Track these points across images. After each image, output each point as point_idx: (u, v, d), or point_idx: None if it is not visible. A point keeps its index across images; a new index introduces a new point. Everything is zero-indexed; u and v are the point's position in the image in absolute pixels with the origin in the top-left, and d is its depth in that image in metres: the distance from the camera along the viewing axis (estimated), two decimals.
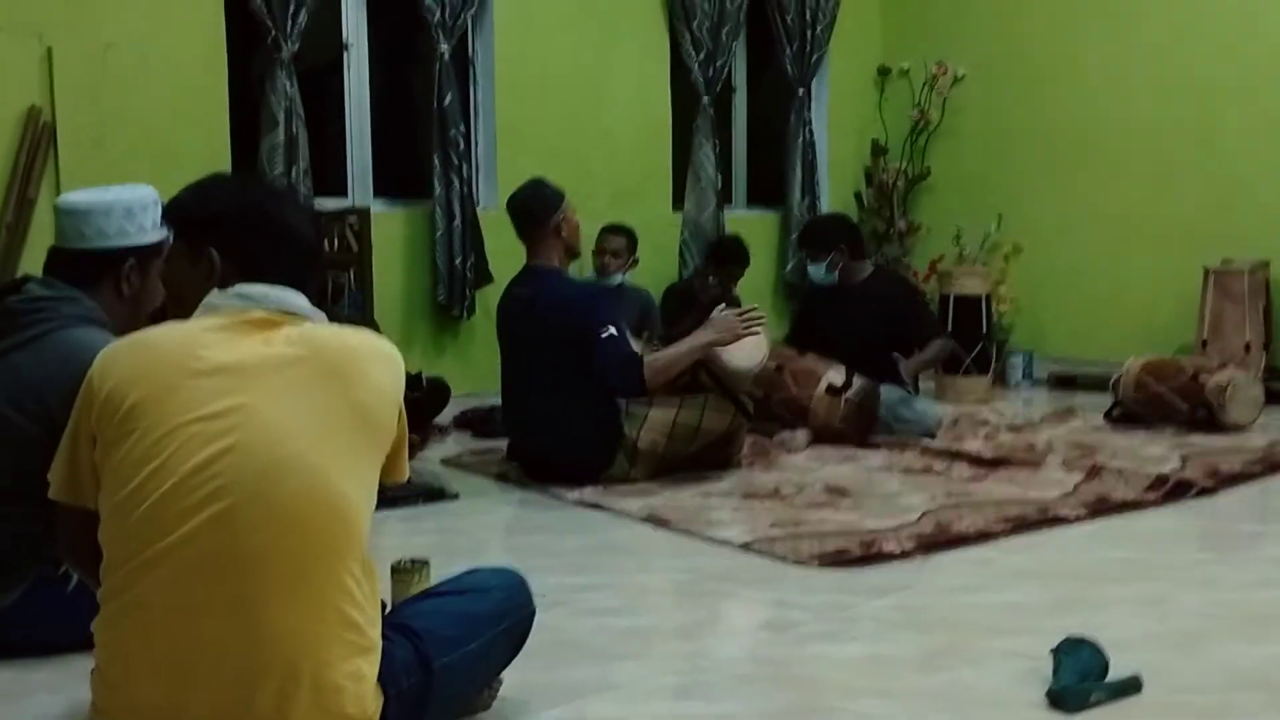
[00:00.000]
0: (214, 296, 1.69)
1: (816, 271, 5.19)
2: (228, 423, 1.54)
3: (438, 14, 5.77)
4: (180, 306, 1.73)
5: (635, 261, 5.93)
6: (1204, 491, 3.82)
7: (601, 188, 6.34)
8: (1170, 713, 2.10)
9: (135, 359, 1.62)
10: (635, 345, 4.21)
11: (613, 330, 3.86)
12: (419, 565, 2.32)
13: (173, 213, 1.83)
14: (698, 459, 4.09)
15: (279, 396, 1.57)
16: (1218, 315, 5.87)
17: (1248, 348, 5.73)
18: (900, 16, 7.75)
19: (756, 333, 4.04)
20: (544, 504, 3.82)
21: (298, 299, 1.72)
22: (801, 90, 7.36)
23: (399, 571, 2.32)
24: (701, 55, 6.85)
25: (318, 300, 1.75)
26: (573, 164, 6.07)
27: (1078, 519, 3.50)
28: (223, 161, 5.23)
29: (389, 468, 1.71)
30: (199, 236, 1.76)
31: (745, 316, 4.00)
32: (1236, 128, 6.26)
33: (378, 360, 1.68)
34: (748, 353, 4.23)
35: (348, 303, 4.09)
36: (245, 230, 1.75)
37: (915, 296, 5.37)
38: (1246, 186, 6.22)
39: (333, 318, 1.80)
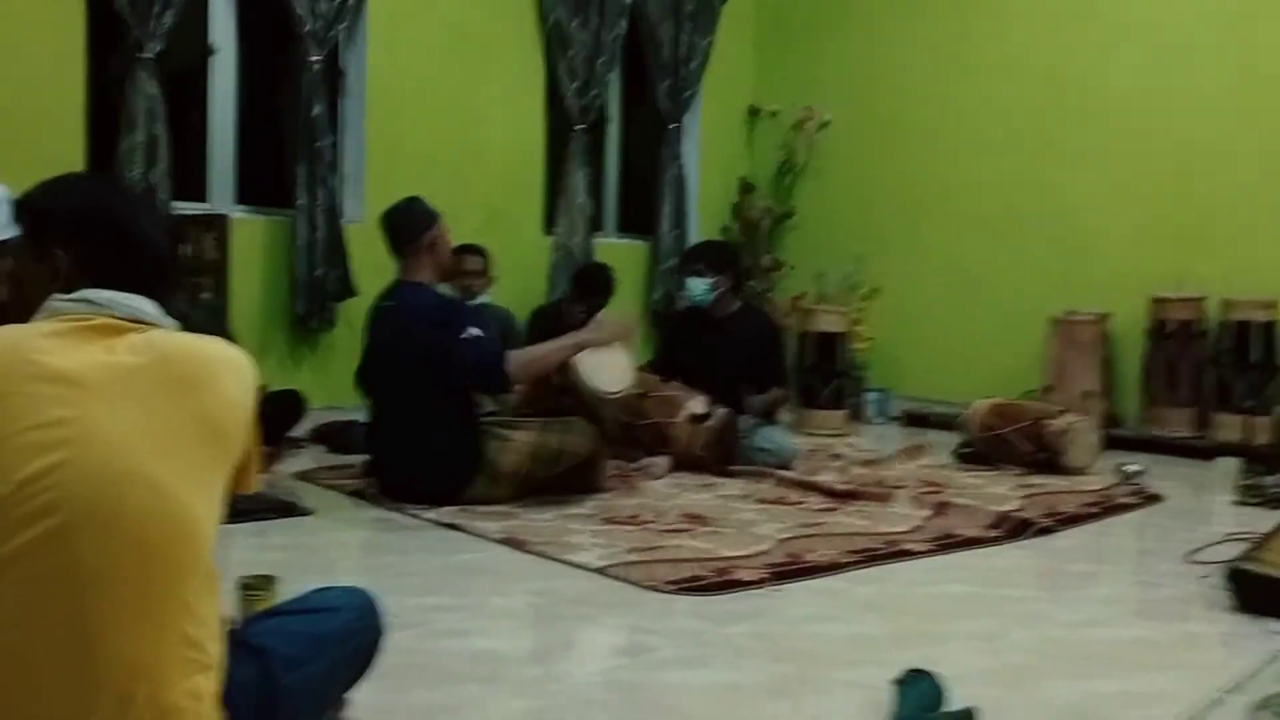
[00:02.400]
0: (56, 300, 1.61)
1: (697, 287, 5.22)
2: (63, 433, 1.47)
3: (309, 24, 5.69)
4: (23, 307, 1.64)
5: (491, 279, 5.94)
6: (1043, 531, 3.98)
7: (473, 208, 6.31)
8: None
9: None
10: None
11: (476, 331, 3.84)
12: (266, 581, 2.27)
13: (22, 209, 1.75)
14: (560, 482, 4.09)
15: (119, 406, 1.50)
16: (1061, 363, 6.14)
17: (1088, 395, 6.00)
18: (772, 59, 7.95)
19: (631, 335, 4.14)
20: (400, 523, 3.76)
21: (146, 305, 1.65)
22: (674, 124, 7.48)
23: (246, 588, 2.27)
24: (576, 84, 6.89)
25: (177, 306, 1.69)
26: (444, 182, 6.03)
27: (924, 553, 3.61)
28: (77, 159, 5.05)
29: (238, 479, 1.66)
30: (45, 234, 1.67)
31: (628, 331, 4.13)
32: (1081, 185, 6.59)
33: (227, 368, 1.63)
34: (614, 376, 4.27)
35: (203, 308, 3.97)
36: (93, 231, 1.68)
37: (777, 339, 5.47)
38: (1090, 242, 6.54)
39: (188, 324, 1.74)
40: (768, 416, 5.16)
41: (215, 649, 1.57)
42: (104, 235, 1.68)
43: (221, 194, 5.75)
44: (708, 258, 5.32)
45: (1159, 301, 6.08)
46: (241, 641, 1.71)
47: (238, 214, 5.60)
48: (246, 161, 5.85)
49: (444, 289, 4.25)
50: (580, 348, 4.03)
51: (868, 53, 7.45)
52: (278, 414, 4.74)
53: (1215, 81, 6.16)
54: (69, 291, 1.63)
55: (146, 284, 1.68)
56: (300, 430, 5.00)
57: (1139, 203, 6.40)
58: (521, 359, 3.90)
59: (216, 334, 1.74)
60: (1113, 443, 5.63)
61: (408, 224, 4.05)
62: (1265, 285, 5.87)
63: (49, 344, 1.54)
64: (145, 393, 1.53)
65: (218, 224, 4.65)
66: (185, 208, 5.38)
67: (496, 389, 3.93)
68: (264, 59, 6.09)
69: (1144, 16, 6.38)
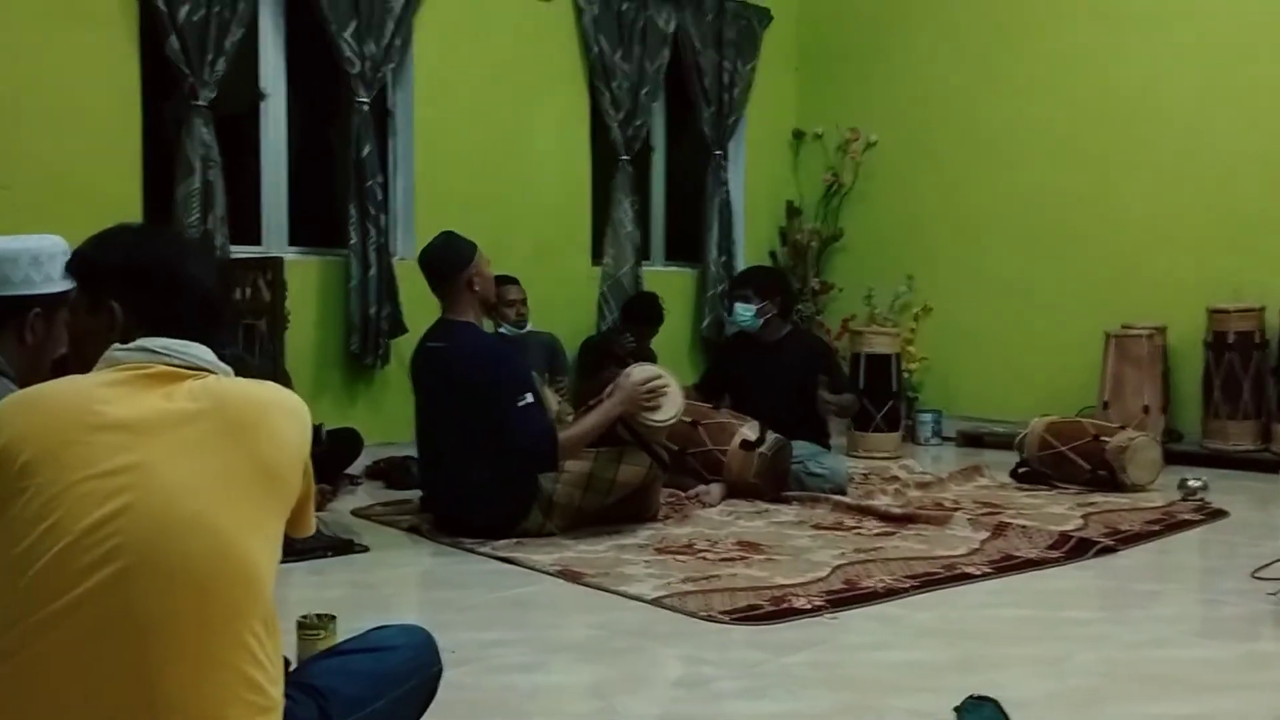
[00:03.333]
0: (115, 350, 1.65)
1: (745, 312, 5.24)
2: (124, 480, 1.50)
3: (358, 66, 5.78)
4: (81, 359, 1.68)
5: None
6: (1104, 550, 3.92)
7: (521, 241, 6.37)
8: None
9: (30, 414, 1.57)
10: (551, 400, 4.23)
11: (529, 397, 3.86)
12: (325, 621, 2.30)
13: (74, 264, 1.80)
14: (614, 512, 4.10)
15: (179, 453, 1.54)
16: (1118, 378, 6.06)
17: (1146, 410, 5.91)
18: (814, 83, 7.95)
19: (659, 403, 4.09)
20: (455, 558, 3.78)
21: (202, 352, 1.69)
22: (719, 151, 7.50)
23: (305, 627, 2.30)
24: (621, 115, 6.94)
25: (237, 348, 1.72)
26: (492, 217, 6.09)
27: (983, 576, 3.57)
28: (135, 207, 5.16)
29: (294, 522, 1.68)
30: (99, 288, 1.72)
31: (649, 387, 4.06)
32: (1133, 199, 6.51)
33: (283, 414, 1.66)
34: (664, 406, 4.28)
35: (259, 351, 4.04)
36: (145, 282, 1.72)
37: (830, 354, 5.48)
38: (1144, 255, 6.46)
39: (245, 367, 1.77)
40: (842, 415, 5.14)
41: (276, 691, 1.59)
42: (156, 284, 1.72)
43: (275, 236, 5.85)
44: (755, 283, 5.33)
45: (1217, 313, 5.99)
46: (301, 682, 1.74)
47: (291, 255, 5.68)
48: (299, 203, 5.95)
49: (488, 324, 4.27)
50: (614, 419, 4.02)
51: (911, 72, 7.43)
52: (334, 452, 4.80)
53: (1267, 89, 6.07)
54: (126, 341, 1.67)
55: (200, 329, 1.72)
56: (356, 467, 5.05)
57: (1192, 213, 6.31)
58: (568, 442, 3.91)
59: (271, 377, 1.77)
60: (1173, 458, 5.54)
61: (445, 261, 4.05)
62: None
63: (109, 393, 1.58)
64: (204, 438, 1.57)
65: (272, 267, 4.72)
66: (240, 252, 5.48)
67: (543, 469, 3.92)
68: (313, 102, 6.20)
69: (1193, 27, 6.31)
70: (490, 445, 3.87)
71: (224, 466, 1.56)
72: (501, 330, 5.90)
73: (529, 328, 6.01)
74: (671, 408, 4.24)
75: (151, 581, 1.48)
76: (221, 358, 1.74)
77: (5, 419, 1.57)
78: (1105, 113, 6.62)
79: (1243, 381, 5.87)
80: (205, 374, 1.66)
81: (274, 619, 1.61)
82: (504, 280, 5.94)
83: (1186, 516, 4.51)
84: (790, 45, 7.98)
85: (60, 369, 1.72)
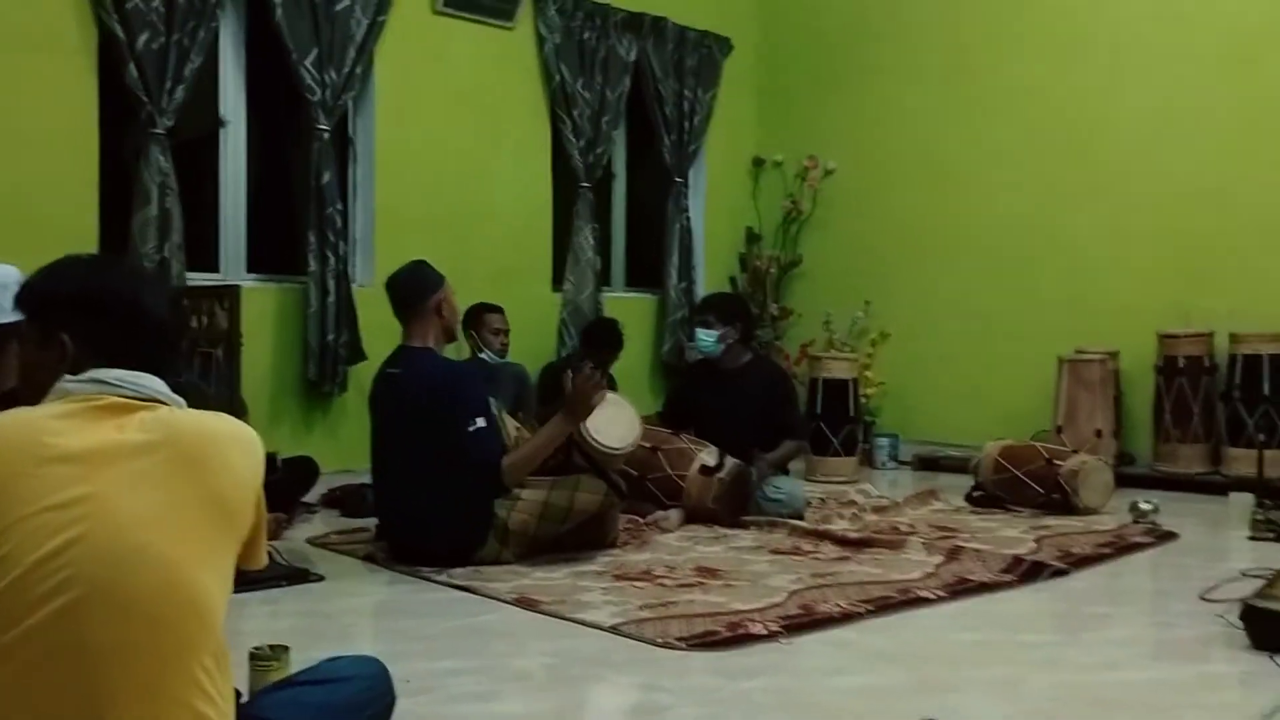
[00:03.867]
0: (67, 381, 1.64)
1: (707, 338, 5.26)
2: (76, 512, 1.50)
3: (319, 93, 5.79)
4: (33, 391, 1.68)
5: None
6: (1057, 573, 3.97)
7: (481, 267, 6.38)
8: None
9: None
10: (510, 426, 4.23)
11: (481, 422, 3.86)
12: (278, 652, 2.29)
13: (23, 296, 1.78)
14: (571, 539, 4.09)
15: (131, 485, 1.54)
16: (1072, 402, 6.14)
17: (1099, 433, 5.99)
18: (774, 111, 8.03)
19: (601, 397, 4.06)
20: (412, 586, 3.77)
21: (154, 383, 1.68)
22: (679, 178, 7.55)
23: (258, 659, 2.28)
24: (582, 142, 6.98)
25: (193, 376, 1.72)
26: (453, 243, 6.10)
27: (938, 600, 3.60)
28: (91, 236, 5.12)
29: (246, 554, 1.68)
30: (49, 320, 1.71)
31: (591, 383, 4.00)
32: (1086, 225, 6.62)
33: (235, 446, 1.66)
34: (620, 433, 4.30)
35: (216, 379, 4.02)
36: (97, 313, 1.71)
37: (788, 390, 5.49)
38: (1096, 280, 6.56)
39: (202, 396, 1.77)
40: (781, 470, 5.16)
41: None
42: (107, 315, 1.71)
43: (234, 264, 5.82)
44: (717, 309, 5.37)
45: (1167, 338, 6.09)
46: (252, 716, 1.74)
47: (249, 283, 5.66)
48: (258, 230, 5.93)
49: (458, 351, 4.26)
50: (564, 434, 4.02)
51: (869, 101, 7.52)
52: (290, 480, 4.77)
53: (1217, 118, 6.21)
54: (77, 372, 1.66)
55: (153, 360, 1.72)
56: (313, 495, 5.03)
57: (1144, 240, 6.43)
58: (513, 464, 3.90)
59: (228, 405, 1.77)
60: (1125, 481, 5.61)
61: (413, 287, 4.07)
62: (1273, 318, 5.88)
63: (60, 425, 1.58)
64: (156, 470, 1.57)
65: (229, 295, 4.71)
66: (197, 279, 5.45)
67: (492, 493, 3.92)
68: (273, 129, 6.19)
69: (1144, 55, 6.45)
70: (446, 471, 3.87)
71: (176, 498, 1.56)
72: (482, 356, 5.91)
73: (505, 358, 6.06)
74: (629, 434, 4.24)
75: (102, 613, 1.49)
76: (176, 387, 1.74)
77: None
78: (1059, 141, 6.74)
79: (1193, 405, 5.97)
80: (158, 405, 1.66)
81: (225, 652, 1.61)
82: (491, 309, 6.01)
83: (1138, 539, 4.57)
84: (750, 74, 8.06)
85: (11, 401, 1.71)
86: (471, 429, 3.83)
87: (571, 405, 4.00)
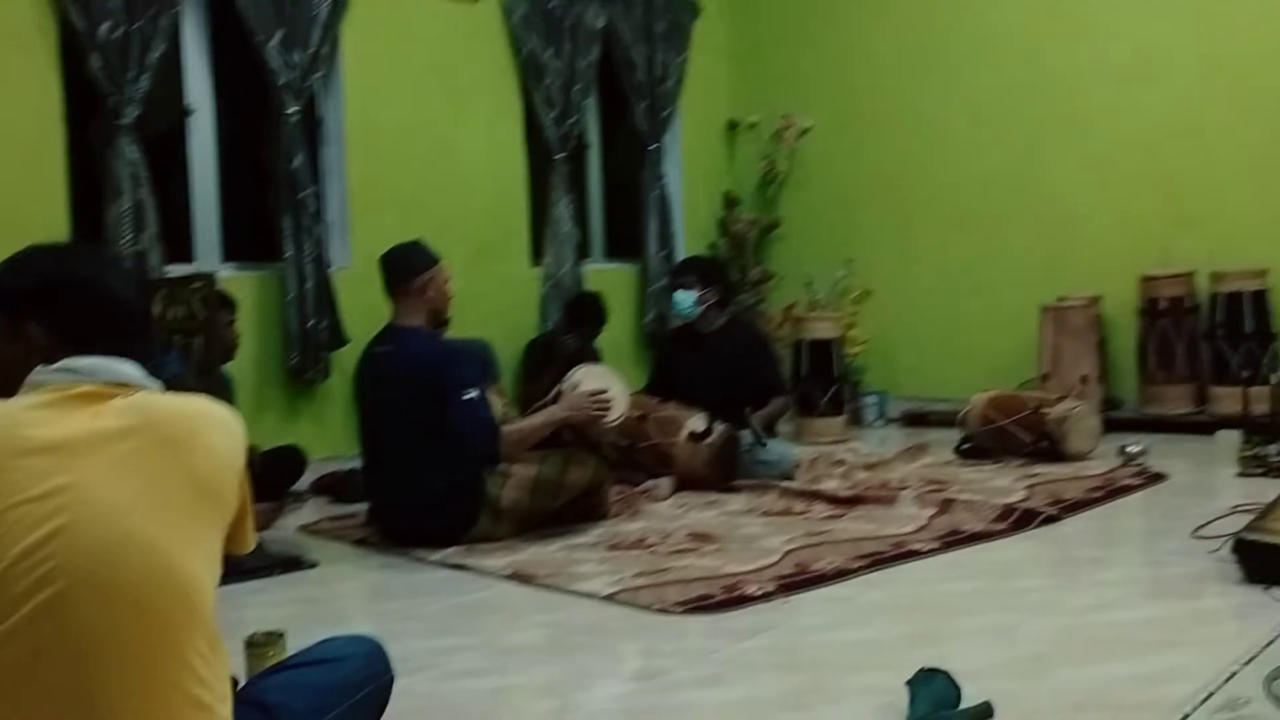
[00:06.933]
0: (39, 373, 1.62)
1: (686, 299, 5.24)
2: (57, 502, 1.48)
3: (284, 77, 5.72)
4: (4, 385, 1.65)
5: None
6: (1048, 520, 3.99)
7: (459, 245, 6.30)
8: None
9: None
10: (497, 404, 4.22)
11: (473, 393, 3.85)
12: (273, 638, 2.28)
13: None
14: (564, 513, 4.09)
15: (111, 471, 1.52)
16: (1056, 350, 6.15)
17: (1085, 379, 6.01)
18: (746, 72, 7.99)
19: (605, 413, 4.15)
20: (406, 567, 3.76)
21: (128, 368, 1.66)
22: (654, 145, 7.51)
23: (253, 645, 2.28)
24: (554, 113, 6.93)
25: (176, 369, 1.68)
26: (429, 222, 6.01)
27: (930, 552, 3.61)
28: (62, 230, 5.06)
29: (234, 538, 1.67)
30: (16, 312, 1.68)
31: (595, 399, 4.11)
32: (1063, 173, 6.62)
33: (214, 426, 1.64)
34: (609, 403, 4.28)
35: (195, 370, 3.98)
36: (64, 302, 1.68)
37: (765, 349, 5.49)
38: (1076, 227, 6.57)
39: (182, 388, 1.74)
40: (770, 429, 5.17)
41: (224, 710, 1.58)
42: (75, 302, 1.69)
43: (208, 253, 5.77)
44: (696, 271, 5.36)
45: (1148, 280, 6.11)
46: (250, 700, 1.72)
47: (225, 271, 5.62)
48: (231, 218, 5.87)
49: None
50: (561, 423, 4.10)
51: (842, 57, 7.48)
52: (278, 470, 4.75)
53: (1186, 57, 6.20)
54: (50, 363, 1.64)
55: (125, 344, 1.69)
56: (301, 483, 5.01)
57: (1121, 184, 6.43)
58: (510, 436, 3.92)
59: (220, 395, 1.74)
60: (1113, 425, 5.64)
61: (403, 265, 4.06)
62: (1252, 255, 5.90)
63: (35, 416, 1.56)
64: (135, 455, 1.55)
65: (204, 283, 4.66)
66: (172, 270, 5.40)
67: (485, 461, 3.91)
68: (241, 115, 6.12)
69: (1118, 2, 6.42)
70: (437, 450, 3.86)
71: (157, 482, 1.54)
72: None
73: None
74: (617, 409, 4.24)
75: (90, 603, 1.47)
76: (157, 376, 1.72)
77: None
78: (1033, 90, 6.72)
79: (1176, 346, 5.99)
80: (133, 390, 1.64)
81: (218, 637, 1.59)
82: None
83: (1127, 482, 4.60)
84: (720, 36, 8.01)
85: None
86: (465, 398, 3.82)
87: (572, 406, 4.07)
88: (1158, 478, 4.68)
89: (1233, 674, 2.41)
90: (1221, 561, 3.24)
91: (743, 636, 2.85)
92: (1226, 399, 5.76)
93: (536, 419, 4.05)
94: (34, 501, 1.48)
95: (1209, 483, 4.73)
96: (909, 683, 2.28)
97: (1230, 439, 5.05)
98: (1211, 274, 5.96)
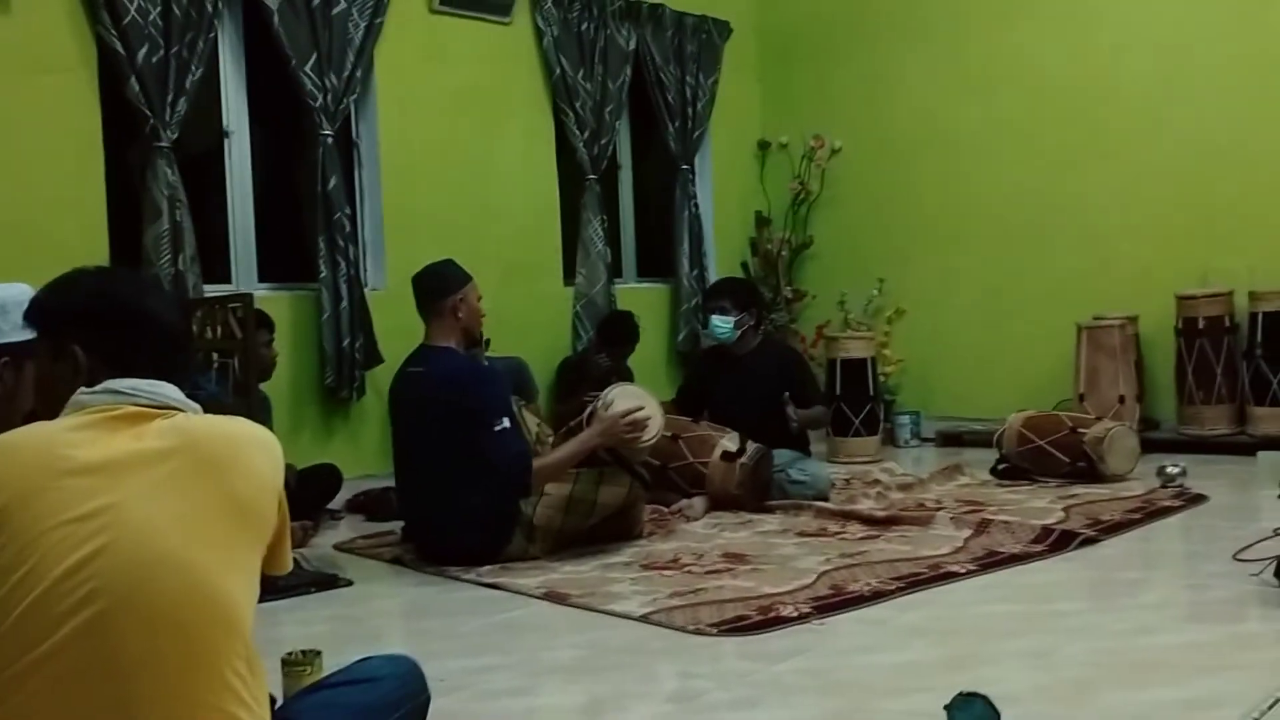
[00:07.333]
0: (82, 394, 1.64)
1: (723, 324, 5.23)
2: (98, 523, 1.49)
3: (320, 99, 5.78)
4: (48, 407, 1.67)
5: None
6: (1087, 541, 3.94)
7: (492, 264, 6.33)
8: None
9: None
10: (530, 422, 4.22)
11: (505, 423, 3.85)
12: (310, 656, 2.29)
13: (32, 312, 1.78)
14: (597, 532, 4.09)
15: (152, 492, 1.53)
16: (1092, 370, 6.09)
17: (1122, 399, 5.95)
18: (777, 92, 7.99)
19: (640, 433, 4.06)
20: (440, 586, 3.76)
21: (169, 390, 1.68)
22: (685, 165, 7.52)
23: (289, 664, 2.28)
24: (586, 134, 6.96)
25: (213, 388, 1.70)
26: (462, 242, 6.05)
27: (968, 574, 3.58)
28: (101, 254, 5.11)
29: (271, 559, 1.68)
30: (60, 334, 1.71)
31: (629, 418, 4.03)
32: (1098, 191, 6.57)
33: (255, 448, 1.65)
34: (643, 422, 4.27)
35: (233, 390, 4.02)
36: (106, 324, 1.71)
37: (802, 364, 5.49)
38: (1111, 245, 6.52)
39: (219, 407, 1.76)
40: (811, 427, 5.13)
41: None
42: (117, 325, 1.71)
43: (245, 274, 5.83)
44: (732, 295, 5.34)
45: (1186, 299, 6.04)
46: (287, 719, 1.73)
47: (261, 291, 5.66)
48: (267, 239, 5.92)
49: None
50: (592, 449, 4.01)
51: (872, 76, 7.47)
52: (313, 488, 4.77)
53: (1221, 74, 6.16)
54: (92, 384, 1.66)
55: (166, 367, 1.71)
56: (337, 501, 5.03)
57: (1157, 202, 6.38)
58: (543, 471, 3.90)
59: (246, 415, 1.76)
60: (1151, 446, 5.58)
61: (435, 286, 4.08)
62: None
63: (77, 437, 1.58)
64: (176, 477, 1.56)
65: (241, 303, 4.70)
66: (210, 290, 5.44)
67: (517, 495, 3.90)
68: (278, 136, 6.19)
69: (1145, 13, 6.41)
70: (470, 469, 3.86)
71: (197, 504, 1.55)
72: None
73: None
74: (652, 428, 4.24)
75: (130, 623, 1.48)
76: (195, 397, 1.73)
77: None
78: (1066, 107, 6.69)
79: (1215, 366, 5.92)
80: (174, 412, 1.65)
81: (257, 657, 1.60)
82: None
83: (1167, 503, 4.54)
84: (751, 56, 8.03)
85: (31, 419, 1.71)
86: (497, 428, 3.83)
87: (608, 430, 3.99)
88: (1198, 499, 4.62)
89: (1277, 700, 2.37)
90: (1263, 585, 3.19)
91: (778, 659, 2.83)
92: (1267, 420, 5.69)
93: (569, 448, 4.01)
94: (76, 522, 1.50)
95: (1249, 504, 4.66)
96: (947, 707, 2.25)
97: (1271, 460, 4.99)
98: (1250, 293, 5.89)
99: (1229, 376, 5.93)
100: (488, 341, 4.15)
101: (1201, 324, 5.97)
